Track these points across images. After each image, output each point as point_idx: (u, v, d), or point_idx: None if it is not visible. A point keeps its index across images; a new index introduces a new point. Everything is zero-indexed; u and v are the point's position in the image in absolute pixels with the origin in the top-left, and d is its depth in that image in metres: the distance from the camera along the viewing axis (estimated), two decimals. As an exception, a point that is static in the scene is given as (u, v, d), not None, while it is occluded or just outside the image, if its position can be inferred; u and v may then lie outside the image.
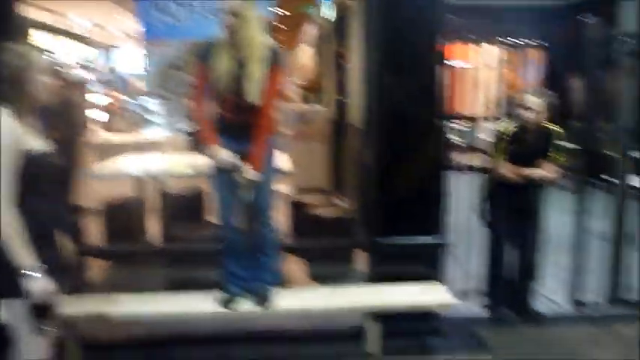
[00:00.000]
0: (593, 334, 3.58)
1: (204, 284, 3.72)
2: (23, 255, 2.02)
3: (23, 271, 2.02)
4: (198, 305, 3.07)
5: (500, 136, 3.58)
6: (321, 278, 4.25)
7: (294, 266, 4.54)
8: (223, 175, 2.88)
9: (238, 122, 2.82)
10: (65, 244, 2.39)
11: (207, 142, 2.87)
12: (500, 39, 4.18)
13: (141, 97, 8.52)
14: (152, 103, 8.84)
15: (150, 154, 5.51)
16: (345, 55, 6.81)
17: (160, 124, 8.36)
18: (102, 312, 2.98)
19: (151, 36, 3.25)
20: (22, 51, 2.17)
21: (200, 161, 5.16)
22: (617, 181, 4.00)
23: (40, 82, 2.17)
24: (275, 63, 2.80)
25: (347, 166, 6.53)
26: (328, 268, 4.27)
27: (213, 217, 5.02)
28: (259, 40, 2.77)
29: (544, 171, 3.54)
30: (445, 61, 3.41)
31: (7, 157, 2.02)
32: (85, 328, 3.14)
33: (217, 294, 3.11)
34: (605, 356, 3.31)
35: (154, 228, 4.87)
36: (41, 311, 2.11)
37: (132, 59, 13.32)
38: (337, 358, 3.23)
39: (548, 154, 3.52)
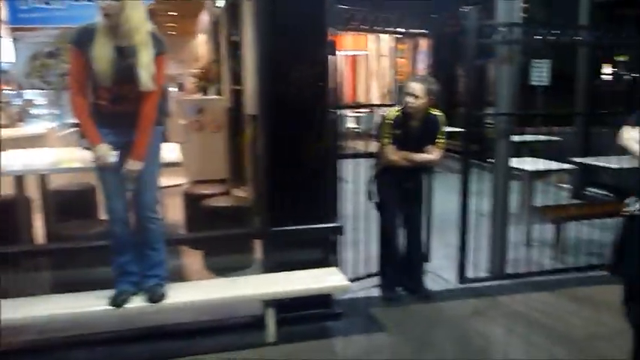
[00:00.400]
0: (479, 307, 3.81)
1: (95, 283, 3.59)
2: None
3: None
4: (88, 305, 2.94)
5: (384, 122, 3.71)
6: (218, 270, 4.23)
7: (190, 259, 4.48)
8: (108, 167, 2.76)
9: (118, 112, 2.72)
10: None
11: (89, 139, 2.73)
12: (389, 28, 4.27)
13: (19, 89, 7.98)
14: (34, 96, 8.32)
15: (34, 150, 5.18)
16: (238, 42, 6.76)
17: (44, 118, 7.89)
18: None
19: (18, 21, 3.02)
20: None
21: (86, 154, 4.94)
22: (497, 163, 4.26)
23: None
24: (159, 50, 2.71)
25: (244, 156, 6.51)
26: (225, 259, 4.25)
27: (103, 213, 4.84)
28: (142, 26, 2.66)
29: (429, 155, 3.70)
30: (336, 51, 3.45)
31: None
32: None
33: (109, 292, 2.99)
34: (491, 327, 3.54)
35: (39, 227, 4.61)
36: None
37: (6, 49, 12.43)
38: (236, 349, 3.21)
39: (435, 138, 3.68)
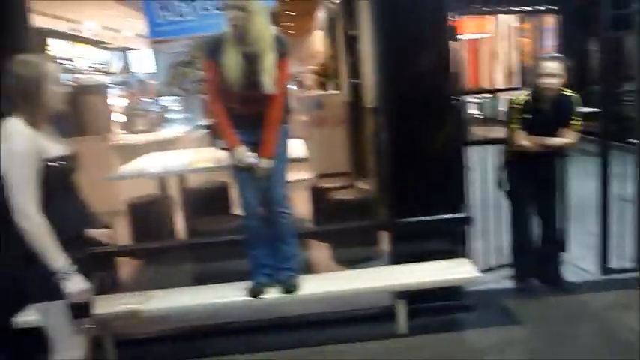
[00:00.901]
0: (622, 298, 3.54)
1: (232, 276, 3.80)
2: (54, 257, 2.08)
3: (57, 274, 2.08)
4: (227, 296, 3.12)
5: (512, 106, 3.54)
6: (346, 262, 4.31)
7: (318, 251, 4.60)
8: (243, 168, 2.92)
9: (248, 114, 2.84)
10: (94, 244, 2.47)
11: (228, 142, 2.91)
12: (512, 8, 4.07)
13: (158, 96, 8.65)
14: (169, 102, 8.98)
15: (171, 152, 5.59)
16: (356, 36, 6.79)
17: (179, 122, 8.49)
18: (135, 308, 3.04)
19: (156, 34, 3.27)
20: (34, 62, 2.21)
21: (220, 155, 5.24)
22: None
23: (52, 91, 2.21)
24: (282, 52, 2.81)
25: (365, 148, 6.54)
26: (353, 251, 4.31)
27: (237, 209, 5.11)
28: (266, 32, 2.77)
29: (563, 138, 3.48)
30: (458, 36, 3.36)
31: (27, 164, 2.08)
32: (118, 325, 3.22)
33: (246, 284, 3.16)
34: (635, 320, 3.28)
35: (180, 224, 4.97)
36: (78, 311, 2.17)
37: (147, 60, 13.50)
38: (367, 340, 3.25)
39: (569, 120, 3.47)
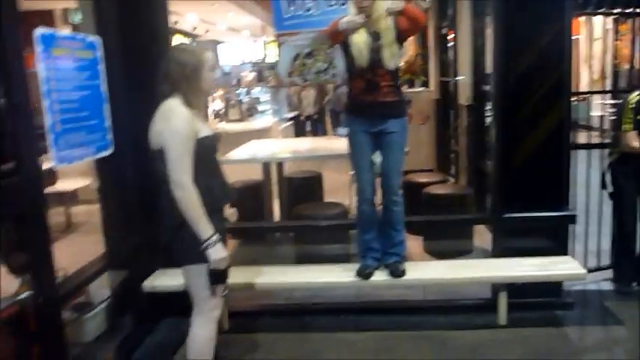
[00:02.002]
0: None
1: (328, 259, 3.99)
2: (203, 227, 2.31)
3: (204, 241, 2.31)
4: (337, 276, 3.30)
5: (626, 106, 3.53)
6: (439, 254, 4.41)
7: (411, 243, 4.72)
8: (360, 151, 3.09)
9: (370, 102, 3.02)
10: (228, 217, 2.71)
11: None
12: (610, 10, 4.02)
13: (252, 88, 9.02)
14: (260, 94, 9.37)
15: (267, 141, 5.87)
16: (448, 34, 6.84)
17: (270, 113, 8.84)
18: (250, 282, 3.27)
19: (282, 28, 3.49)
20: (194, 50, 2.45)
21: (305, 146, 5.48)
22: None
23: (208, 77, 2.45)
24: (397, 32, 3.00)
25: (454, 146, 6.59)
26: (446, 244, 4.41)
27: (329, 197, 5.31)
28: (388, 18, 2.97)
29: None
30: (570, 34, 3.39)
31: (185, 141, 2.31)
32: (231, 296, 3.46)
33: (350, 266, 3.33)
34: None
35: (276, 208, 5.23)
36: (217, 277, 2.40)
37: (241, 53, 14.04)
38: (467, 329, 3.35)
39: None
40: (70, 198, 6.23)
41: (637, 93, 3.53)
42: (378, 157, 3.15)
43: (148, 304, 3.44)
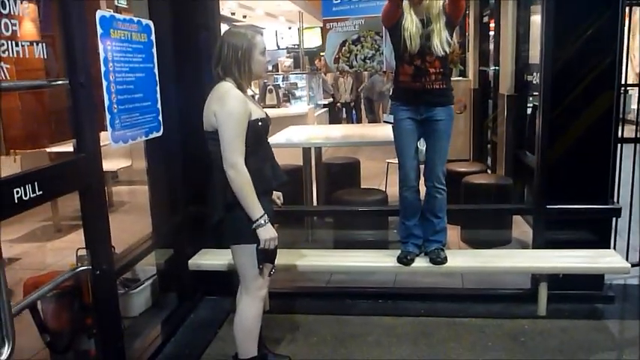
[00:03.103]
0: None
1: (366, 244, 4.03)
2: (254, 207, 2.37)
3: (255, 222, 2.37)
4: (381, 260, 3.33)
5: None
6: (477, 244, 4.41)
7: (450, 232, 4.72)
8: (406, 138, 3.11)
9: (417, 89, 3.03)
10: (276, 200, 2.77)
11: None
12: None
13: (288, 74, 9.07)
14: (298, 79, 9.40)
15: (304, 127, 5.92)
16: (489, 23, 6.76)
17: (305, 99, 8.88)
18: (289, 263, 3.33)
19: (331, 14, 3.52)
20: (246, 33, 2.49)
21: (344, 132, 5.50)
22: None
23: (259, 60, 2.49)
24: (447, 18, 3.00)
25: (492, 136, 6.53)
26: (485, 234, 4.41)
27: (366, 184, 5.34)
28: (437, 1, 2.97)
29: None
30: (623, 24, 3.33)
31: (239, 122, 2.37)
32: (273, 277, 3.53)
33: (391, 252, 3.37)
34: None
35: (315, 193, 5.28)
36: (265, 256, 2.46)
37: (277, 39, 14.09)
38: (507, 317, 3.36)
39: None
40: (111, 178, 6.39)
41: None
42: (423, 145, 3.17)
43: (192, 282, 3.54)
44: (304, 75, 9.42)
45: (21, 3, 1.96)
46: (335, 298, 3.67)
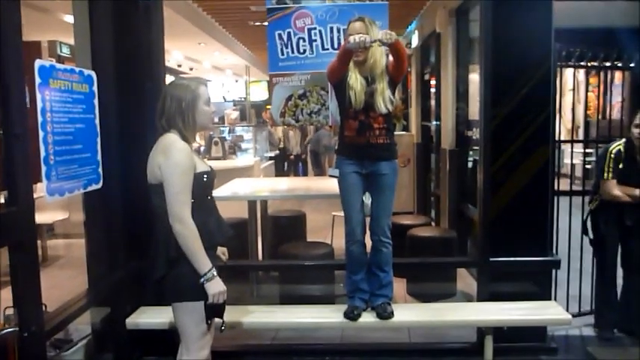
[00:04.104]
0: None
1: (311, 299, 3.96)
2: (202, 261, 2.29)
3: (203, 276, 2.29)
4: (324, 317, 3.27)
5: (607, 155, 3.65)
6: (422, 296, 4.42)
7: (395, 285, 4.72)
8: (352, 192, 3.12)
9: (362, 143, 3.07)
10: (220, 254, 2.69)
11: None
12: (586, 63, 4.18)
13: (234, 126, 9.07)
14: (243, 132, 9.41)
15: (250, 179, 5.89)
16: (430, 80, 7.03)
17: (252, 151, 8.88)
18: (233, 320, 3.21)
19: (277, 69, 3.55)
20: (189, 84, 2.47)
21: (288, 185, 5.50)
22: None
23: (204, 111, 2.47)
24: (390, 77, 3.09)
25: (435, 189, 6.68)
26: (429, 287, 4.43)
27: (313, 238, 5.31)
28: (381, 61, 3.06)
29: None
30: (555, 86, 3.52)
31: (185, 175, 2.32)
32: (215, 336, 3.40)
33: (337, 307, 3.32)
34: None
35: (260, 247, 5.19)
36: (212, 312, 2.37)
37: (224, 91, 14.18)
38: (453, 372, 3.34)
39: None
40: (46, 231, 6.11)
41: (617, 143, 3.66)
42: (368, 199, 3.19)
43: (130, 342, 3.36)
44: (250, 127, 9.45)
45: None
46: (281, 356, 3.56)
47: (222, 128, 9.05)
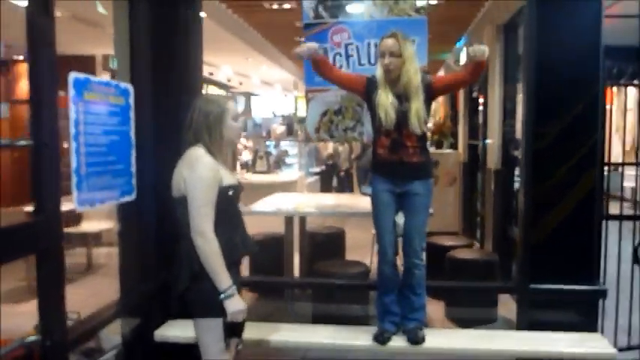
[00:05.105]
0: None
1: (344, 319, 3.87)
2: (222, 278, 2.26)
3: (222, 293, 2.25)
4: (354, 338, 3.18)
5: None
6: (461, 321, 4.25)
7: (432, 308, 4.57)
8: (383, 211, 3.03)
9: (395, 161, 2.98)
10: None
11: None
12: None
13: (280, 140, 9.13)
14: (288, 147, 9.45)
15: (294, 194, 5.86)
16: (480, 98, 6.85)
17: (295, 166, 8.90)
18: (263, 338, 3.17)
19: (313, 83, 3.51)
20: (218, 100, 2.48)
21: (331, 201, 5.42)
22: None
23: (232, 126, 2.46)
24: (428, 95, 2.97)
25: (480, 210, 6.48)
26: (469, 312, 4.26)
27: (350, 256, 5.22)
28: (416, 76, 2.92)
29: None
30: (604, 104, 3.34)
31: (209, 189, 2.31)
32: (244, 353, 3.36)
33: (368, 329, 3.22)
34: None
35: (296, 264, 5.14)
36: (232, 330, 2.33)
37: (269, 106, 14.36)
38: (487, 404, 3.17)
39: None
40: (93, 239, 6.26)
41: None
42: (401, 218, 3.09)
43: (158, 354, 3.35)
44: (296, 142, 9.47)
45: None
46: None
47: (267, 142, 9.12)
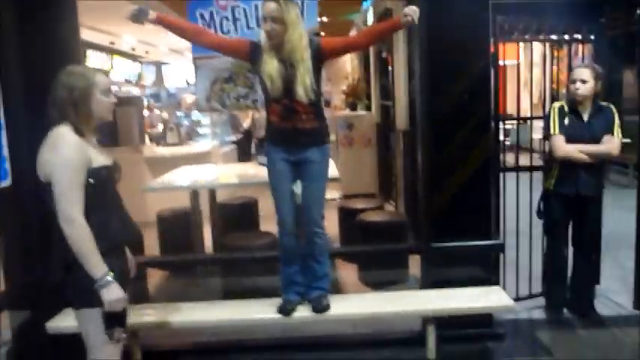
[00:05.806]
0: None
1: (258, 292, 3.80)
2: (95, 265, 2.10)
3: (96, 281, 2.10)
4: (258, 312, 3.11)
5: (551, 111, 3.53)
6: (374, 283, 4.29)
7: (344, 272, 4.58)
8: (280, 181, 2.94)
9: (288, 128, 2.86)
10: (129, 254, 2.50)
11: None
12: (547, 36, 4.06)
13: (192, 111, 8.78)
14: (200, 116, 9.13)
15: (201, 166, 5.66)
16: (389, 59, 6.84)
17: (209, 136, 8.63)
18: (163, 320, 3.05)
19: (200, 51, 3.31)
20: (84, 72, 2.26)
21: (248, 171, 5.28)
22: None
23: (101, 101, 2.26)
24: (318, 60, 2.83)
25: (394, 170, 6.54)
26: (381, 274, 4.30)
27: (265, 226, 5.13)
28: (301, 42, 2.77)
29: (605, 146, 3.42)
30: (497, 62, 3.37)
31: (75, 171, 2.12)
32: (147, 336, 3.23)
33: (274, 301, 3.16)
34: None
35: (208, 237, 5.00)
36: (114, 320, 2.19)
37: (182, 75, 13.81)
38: (396, 364, 3.22)
39: (610, 130, 3.43)
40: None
41: (560, 102, 3.57)
42: (298, 187, 3.00)
43: (56, 347, 3.16)
44: (207, 112, 9.15)
45: None
46: (219, 354, 3.41)
47: (178, 114, 8.78)
